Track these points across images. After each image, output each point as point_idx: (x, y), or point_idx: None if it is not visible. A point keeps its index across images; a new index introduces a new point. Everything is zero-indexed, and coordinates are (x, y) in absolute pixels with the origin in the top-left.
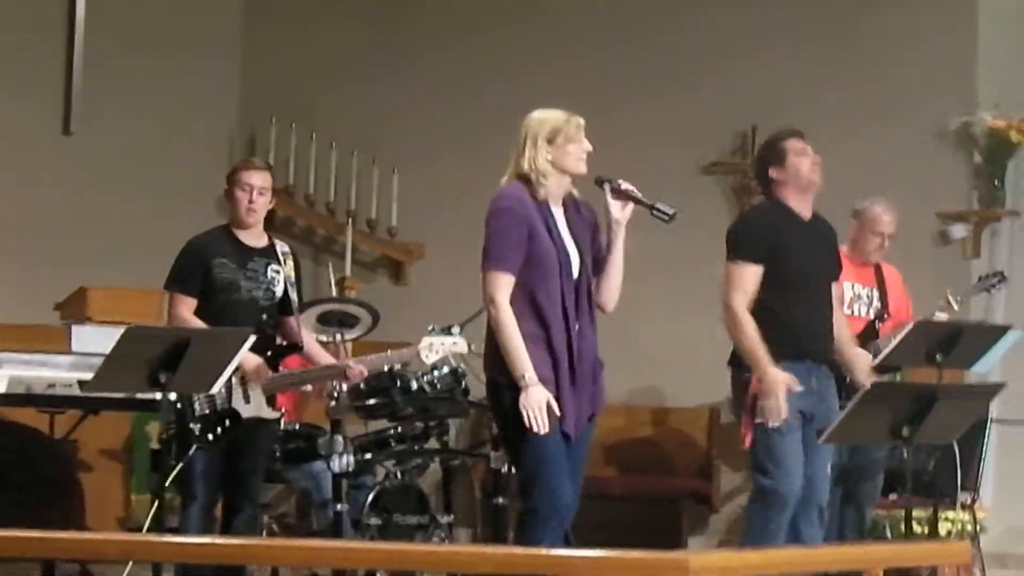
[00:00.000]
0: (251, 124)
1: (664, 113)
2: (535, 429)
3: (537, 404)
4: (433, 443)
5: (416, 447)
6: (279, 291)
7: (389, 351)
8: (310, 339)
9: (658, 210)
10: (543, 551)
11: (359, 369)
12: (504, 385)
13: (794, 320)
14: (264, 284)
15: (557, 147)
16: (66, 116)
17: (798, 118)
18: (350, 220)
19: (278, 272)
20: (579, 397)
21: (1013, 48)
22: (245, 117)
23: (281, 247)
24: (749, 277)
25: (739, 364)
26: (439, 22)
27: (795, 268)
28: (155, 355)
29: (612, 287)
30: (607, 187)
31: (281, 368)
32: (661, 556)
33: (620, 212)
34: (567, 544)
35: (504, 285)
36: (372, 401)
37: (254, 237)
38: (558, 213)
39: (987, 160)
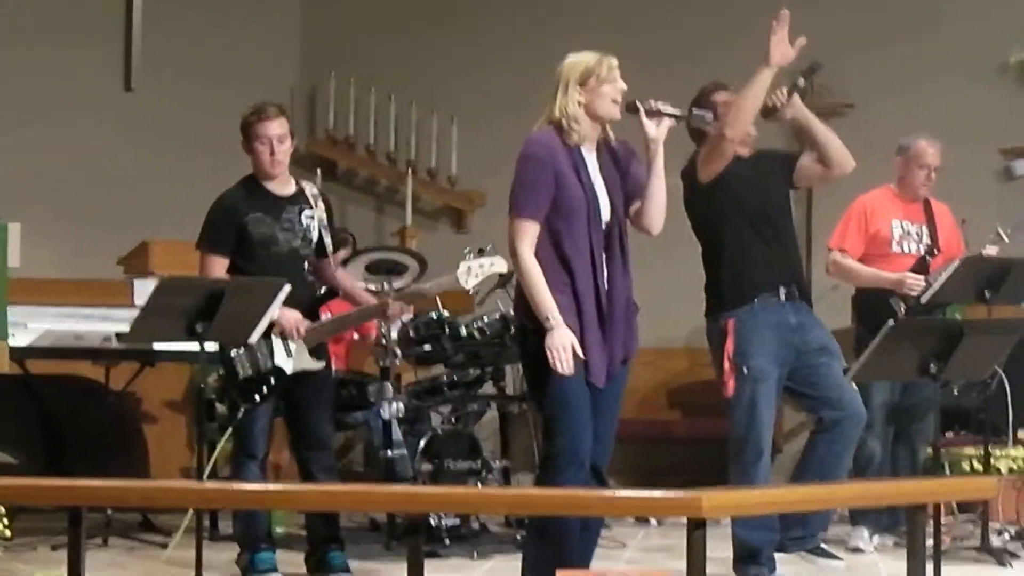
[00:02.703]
0: (311, 77)
1: (723, 59)
2: (559, 370)
3: (562, 345)
4: (488, 389)
5: (471, 393)
6: (315, 236)
7: (430, 283)
8: (349, 281)
9: (695, 116)
10: (559, 491)
11: (399, 306)
12: (531, 329)
13: (757, 254)
14: (301, 232)
15: (589, 89)
16: (127, 72)
17: (859, 58)
18: (410, 170)
19: (312, 217)
20: (609, 345)
21: None
22: (305, 71)
23: (311, 189)
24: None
25: (716, 314)
26: None
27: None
28: (191, 306)
29: (655, 209)
30: (639, 111)
31: (323, 315)
32: (675, 495)
33: (655, 131)
34: (601, 484)
35: (529, 233)
36: (422, 348)
37: (282, 185)
38: (590, 158)
39: None
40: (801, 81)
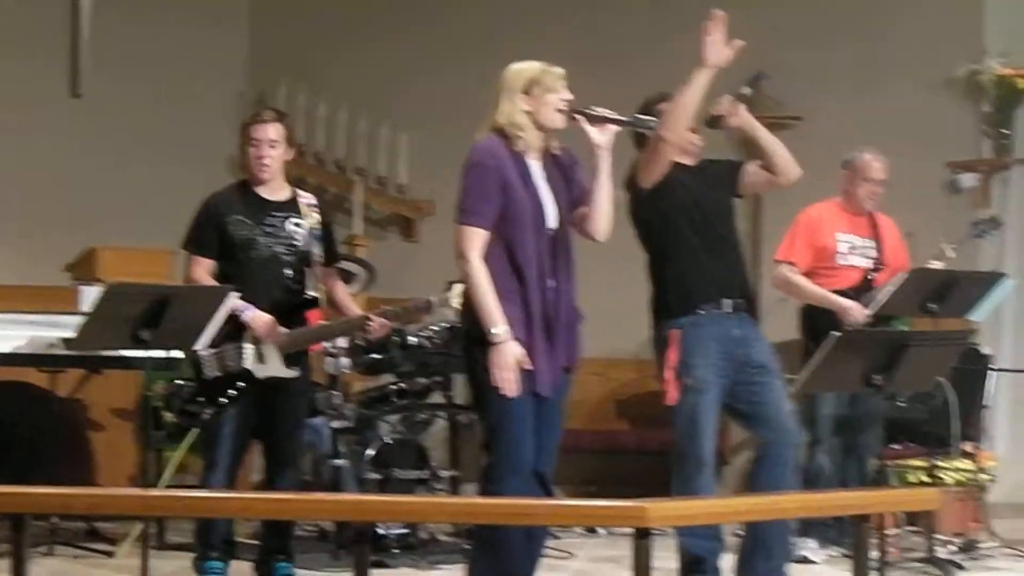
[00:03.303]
0: (260, 84)
1: (672, 65)
2: (503, 391)
3: (507, 364)
4: (437, 398)
5: (419, 402)
6: (302, 245)
7: (428, 299)
8: (341, 292)
9: (639, 122)
10: (506, 500)
11: (380, 322)
12: (475, 339)
13: (702, 264)
14: (285, 239)
15: (534, 98)
16: (74, 78)
17: (806, 69)
18: (360, 178)
19: (299, 225)
20: (554, 354)
21: None
22: (255, 77)
23: (306, 199)
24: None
25: (660, 320)
26: None
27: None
28: (137, 312)
29: (601, 216)
30: (580, 117)
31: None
32: (619, 505)
33: (600, 137)
34: (547, 493)
35: (477, 240)
36: (371, 357)
37: (274, 191)
38: (535, 166)
39: (996, 109)
40: (746, 90)
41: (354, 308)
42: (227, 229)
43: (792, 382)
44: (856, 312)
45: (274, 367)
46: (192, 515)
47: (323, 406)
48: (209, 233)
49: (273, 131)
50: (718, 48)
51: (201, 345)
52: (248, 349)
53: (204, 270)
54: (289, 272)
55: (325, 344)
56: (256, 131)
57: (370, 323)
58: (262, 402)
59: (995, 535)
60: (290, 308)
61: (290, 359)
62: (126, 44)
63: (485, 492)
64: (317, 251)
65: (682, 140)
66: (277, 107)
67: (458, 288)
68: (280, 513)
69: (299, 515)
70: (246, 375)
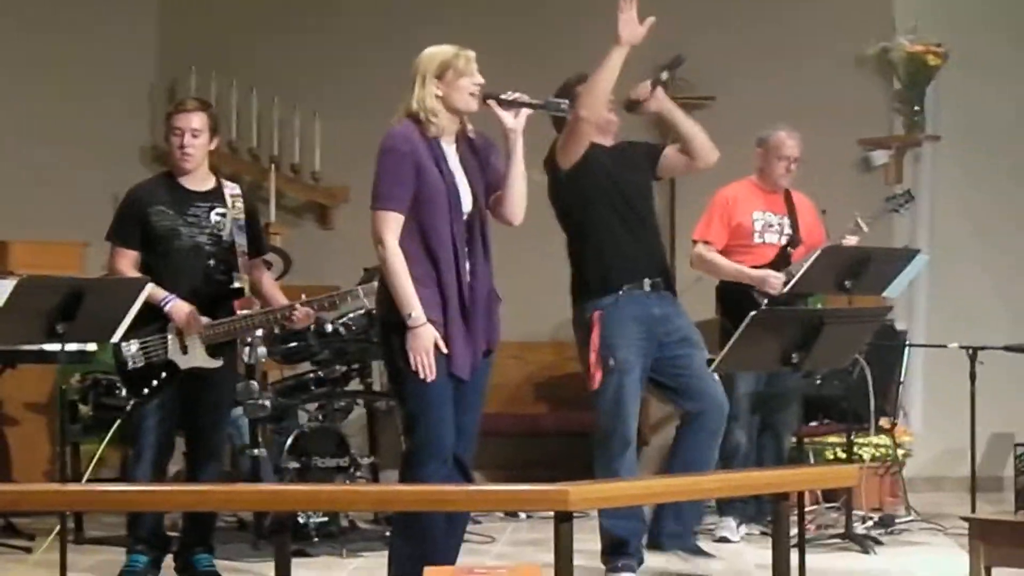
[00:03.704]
0: (171, 73)
1: (585, 49)
2: (421, 375)
3: (424, 348)
4: (355, 385)
5: (337, 390)
6: (227, 235)
7: (354, 289)
8: (267, 282)
9: (552, 106)
10: (426, 487)
11: (305, 311)
12: (392, 325)
13: (622, 244)
14: (208, 229)
15: (447, 83)
16: None
17: (718, 49)
18: (273, 166)
19: (224, 215)
20: (472, 337)
21: None
22: (165, 66)
23: (231, 189)
24: None
25: (580, 302)
26: None
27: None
28: (52, 306)
29: (516, 199)
30: (492, 102)
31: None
32: (541, 489)
33: (513, 122)
34: (463, 479)
35: (392, 225)
36: (288, 346)
37: (197, 181)
38: (450, 150)
39: (906, 86)
40: (664, 75)
41: (281, 298)
42: (149, 220)
43: (710, 362)
44: (773, 280)
45: (197, 357)
46: (112, 509)
47: (241, 396)
48: (131, 224)
49: (196, 120)
50: (632, 26)
51: (117, 337)
52: (171, 340)
53: (128, 262)
54: (213, 262)
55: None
56: (179, 120)
57: (295, 312)
58: (186, 393)
59: (912, 509)
60: (214, 299)
61: (215, 350)
62: (32, 35)
63: (406, 478)
64: (242, 241)
65: (600, 119)
66: (188, 95)
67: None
68: (200, 505)
69: (219, 506)
70: (169, 366)
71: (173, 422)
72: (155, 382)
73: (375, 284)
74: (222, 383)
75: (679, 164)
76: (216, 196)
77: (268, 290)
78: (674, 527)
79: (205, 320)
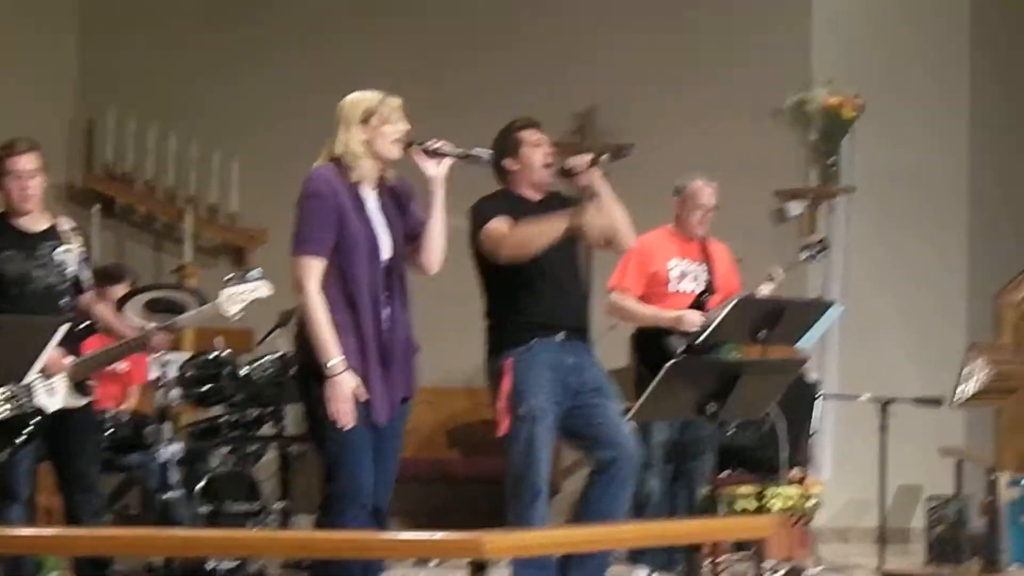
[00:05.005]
0: (89, 111)
1: (506, 97)
2: (339, 424)
3: (343, 396)
4: (268, 429)
5: (250, 434)
6: (71, 272)
7: (191, 312)
8: (109, 314)
9: (474, 156)
10: (341, 534)
11: (161, 337)
12: (311, 371)
13: (540, 297)
14: (56, 268)
15: (371, 128)
16: None
17: (636, 99)
18: (190, 207)
19: (67, 252)
20: (391, 384)
21: (845, 24)
22: (83, 104)
23: (64, 224)
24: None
25: (495, 355)
26: (280, 16)
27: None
28: None
29: (434, 248)
30: (415, 149)
31: (85, 352)
32: (457, 537)
33: (435, 170)
34: (379, 525)
35: (313, 270)
36: (200, 388)
37: (34, 221)
38: (370, 196)
39: (822, 137)
40: (607, 157)
41: (125, 328)
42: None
43: (625, 411)
44: (689, 317)
45: (64, 398)
46: (18, 552)
47: (152, 438)
48: None
49: (31, 161)
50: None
51: (29, 379)
52: (38, 384)
53: None
54: (65, 300)
55: (155, 374)
56: (15, 163)
57: (153, 338)
58: (52, 433)
59: (820, 560)
60: (73, 337)
61: (79, 387)
62: None
63: (325, 524)
64: (85, 276)
65: (537, 183)
66: (106, 134)
67: (230, 290)
68: (107, 550)
69: (128, 551)
70: (38, 412)
71: (37, 461)
72: (27, 431)
73: (205, 307)
74: (89, 418)
75: (596, 234)
76: (54, 234)
77: (112, 322)
78: (577, 574)
79: (69, 359)
